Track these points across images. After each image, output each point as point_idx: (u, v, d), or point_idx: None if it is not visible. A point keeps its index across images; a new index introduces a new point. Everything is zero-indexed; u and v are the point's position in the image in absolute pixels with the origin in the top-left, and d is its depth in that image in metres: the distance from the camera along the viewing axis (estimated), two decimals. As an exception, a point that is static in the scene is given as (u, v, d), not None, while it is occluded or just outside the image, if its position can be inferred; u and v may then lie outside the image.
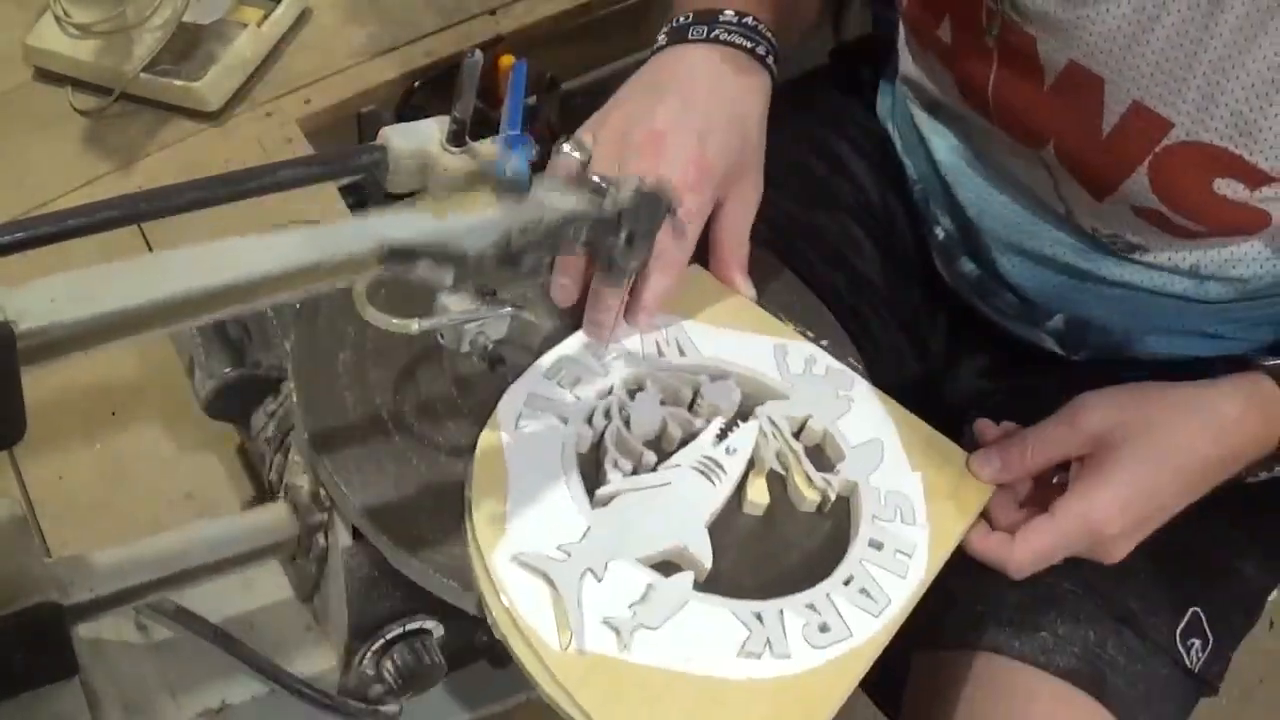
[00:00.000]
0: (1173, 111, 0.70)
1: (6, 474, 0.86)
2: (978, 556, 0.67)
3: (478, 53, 0.54)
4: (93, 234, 0.46)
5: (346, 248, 0.51)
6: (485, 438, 0.65)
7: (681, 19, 0.79)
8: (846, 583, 0.63)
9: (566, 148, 0.66)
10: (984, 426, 0.72)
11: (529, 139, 0.57)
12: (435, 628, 0.70)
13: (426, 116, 0.57)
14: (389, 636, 0.69)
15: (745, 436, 0.67)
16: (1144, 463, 0.67)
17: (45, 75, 1.11)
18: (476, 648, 0.74)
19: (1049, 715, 0.75)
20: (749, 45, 0.77)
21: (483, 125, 0.57)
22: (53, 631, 0.61)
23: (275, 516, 0.70)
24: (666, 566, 0.62)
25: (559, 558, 0.60)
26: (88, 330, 0.45)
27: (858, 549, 0.65)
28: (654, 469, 0.66)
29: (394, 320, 0.58)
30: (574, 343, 0.71)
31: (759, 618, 0.60)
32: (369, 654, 0.69)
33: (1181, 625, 0.78)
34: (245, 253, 0.49)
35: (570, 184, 0.62)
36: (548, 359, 0.70)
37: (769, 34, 0.79)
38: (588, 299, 0.71)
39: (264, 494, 0.81)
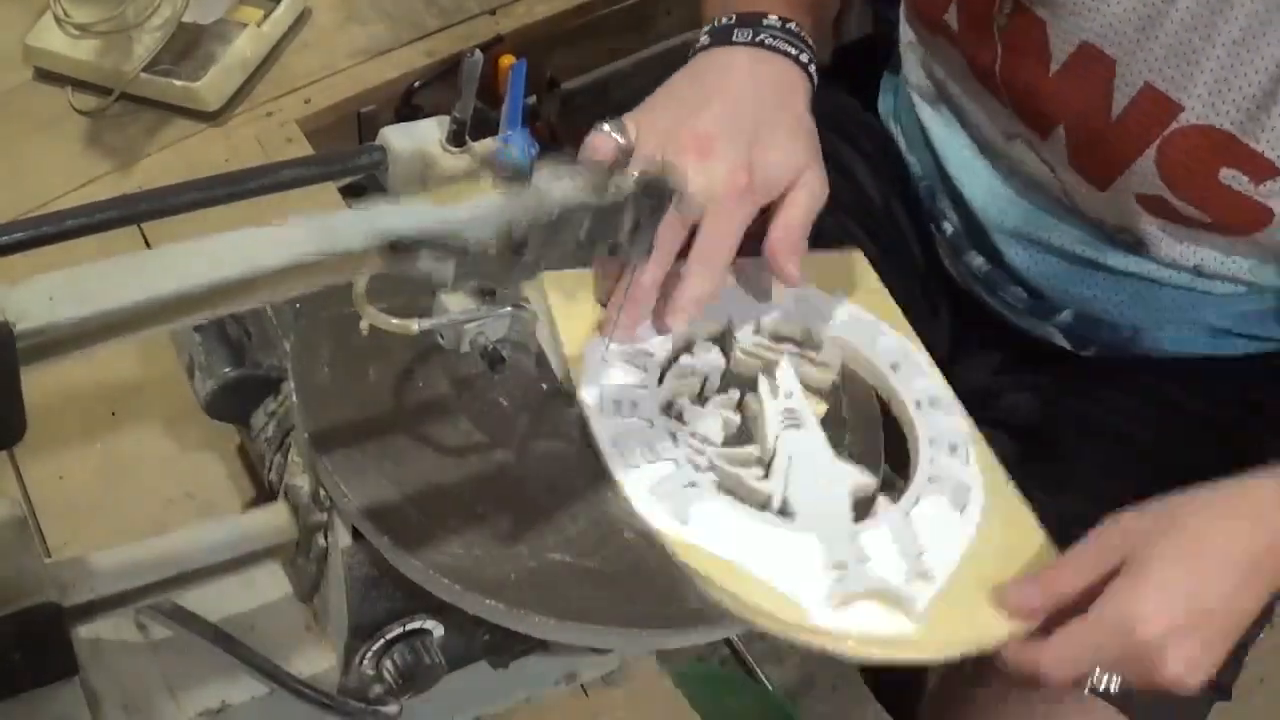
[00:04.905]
0: (1184, 95, 0.70)
1: (6, 474, 0.85)
2: (1008, 666, 0.62)
3: (478, 53, 0.54)
4: (93, 234, 0.46)
5: (347, 240, 0.51)
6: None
7: (724, 20, 0.78)
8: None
9: (606, 127, 0.65)
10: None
11: (529, 138, 0.57)
12: (435, 628, 0.70)
13: (426, 116, 0.57)
14: (389, 636, 0.69)
15: (786, 376, 0.70)
16: (1177, 562, 0.61)
17: (45, 75, 1.11)
18: (476, 648, 0.74)
19: None
20: (793, 52, 0.77)
21: (483, 125, 0.57)
22: (53, 631, 0.61)
23: (275, 519, 0.70)
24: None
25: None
26: (87, 328, 0.45)
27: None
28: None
29: (394, 320, 0.58)
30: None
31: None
32: (369, 654, 0.69)
33: None
34: (245, 247, 0.49)
35: (600, 165, 0.60)
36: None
37: (809, 41, 0.78)
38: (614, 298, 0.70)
39: (264, 494, 0.81)
